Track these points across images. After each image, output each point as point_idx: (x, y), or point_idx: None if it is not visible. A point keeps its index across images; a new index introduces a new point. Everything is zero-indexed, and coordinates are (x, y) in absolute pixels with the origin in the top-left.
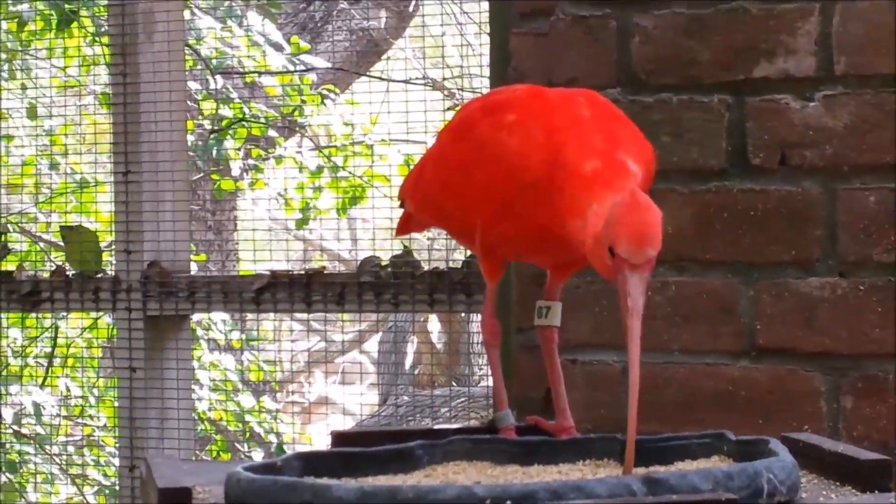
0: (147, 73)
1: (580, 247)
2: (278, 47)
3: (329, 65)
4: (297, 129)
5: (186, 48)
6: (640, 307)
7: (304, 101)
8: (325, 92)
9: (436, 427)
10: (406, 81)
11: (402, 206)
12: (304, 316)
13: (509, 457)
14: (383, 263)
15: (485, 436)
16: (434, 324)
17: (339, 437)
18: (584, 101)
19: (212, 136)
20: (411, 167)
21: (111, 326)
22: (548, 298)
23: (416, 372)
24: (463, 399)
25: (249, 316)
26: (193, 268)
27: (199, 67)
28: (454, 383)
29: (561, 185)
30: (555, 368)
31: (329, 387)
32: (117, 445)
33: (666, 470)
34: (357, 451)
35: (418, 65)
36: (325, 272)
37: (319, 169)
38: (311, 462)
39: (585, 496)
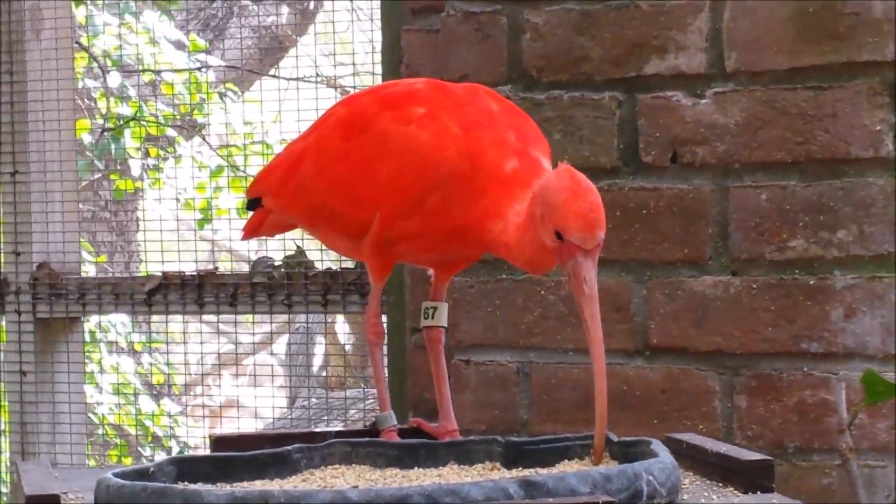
0: (34, 71)
1: (498, 248)
2: (179, 45)
3: (223, 63)
4: (197, 128)
5: (77, 45)
6: (596, 292)
7: (203, 100)
8: (224, 91)
9: (317, 430)
10: (298, 79)
11: (250, 205)
12: (213, 318)
13: (389, 460)
14: (276, 264)
15: (364, 439)
16: (342, 325)
17: (219, 442)
18: (487, 94)
19: (103, 133)
20: (267, 162)
21: None
22: (433, 299)
23: (324, 373)
24: (372, 400)
25: (155, 318)
26: (92, 270)
27: (94, 66)
28: (363, 384)
29: (482, 185)
30: (440, 370)
31: (238, 389)
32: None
33: (547, 472)
34: (233, 455)
35: (321, 62)
36: (218, 273)
37: (219, 168)
38: (186, 467)
39: (461, 500)
